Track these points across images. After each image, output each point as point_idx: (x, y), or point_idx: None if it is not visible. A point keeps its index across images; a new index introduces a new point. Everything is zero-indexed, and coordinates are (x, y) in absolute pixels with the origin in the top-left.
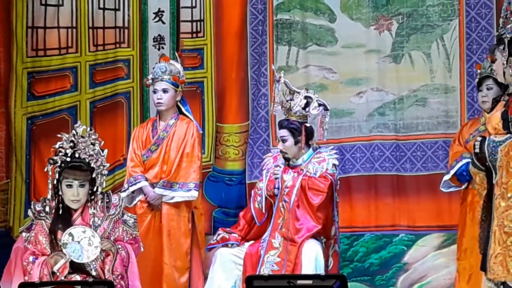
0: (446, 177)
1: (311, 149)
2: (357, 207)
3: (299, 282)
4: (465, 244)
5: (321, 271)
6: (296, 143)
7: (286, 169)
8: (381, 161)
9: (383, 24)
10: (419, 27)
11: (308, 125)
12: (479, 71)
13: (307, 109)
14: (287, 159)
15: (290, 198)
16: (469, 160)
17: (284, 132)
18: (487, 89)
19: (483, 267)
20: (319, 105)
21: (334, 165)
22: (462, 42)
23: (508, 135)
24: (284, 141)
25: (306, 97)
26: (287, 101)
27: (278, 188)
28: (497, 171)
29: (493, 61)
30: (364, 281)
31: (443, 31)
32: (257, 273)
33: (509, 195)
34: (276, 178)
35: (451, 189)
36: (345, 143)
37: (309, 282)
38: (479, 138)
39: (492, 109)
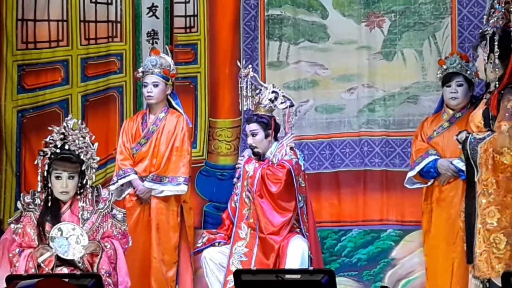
0: (411, 174)
1: (276, 142)
2: (345, 201)
3: (287, 276)
4: (432, 240)
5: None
6: (266, 136)
7: (249, 160)
8: (370, 156)
9: (374, 21)
10: (411, 25)
11: (277, 118)
12: (444, 66)
13: (274, 103)
14: (256, 154)
15: (252, 188)
16: (437, 157)
17: (254, 126)
18: (457, 85)
19: (469, 260)
20: (285, 100)
21: (291, 148)
22: (454, 40)
23: (488, 132)
24: (254, 135)
25: (273, 92)
26: (256, 94)
27: (238, 178)
28: (478, 169)
29: (465, 59)
30: (351, 276)
31: (435, 29)
32: (227, 264)
33: (489, 191)
34: (238, 168)
35: (415, 186)
36: (335, 138)
37: (297, 276)
38: (465, 133)
39: (475, 107)
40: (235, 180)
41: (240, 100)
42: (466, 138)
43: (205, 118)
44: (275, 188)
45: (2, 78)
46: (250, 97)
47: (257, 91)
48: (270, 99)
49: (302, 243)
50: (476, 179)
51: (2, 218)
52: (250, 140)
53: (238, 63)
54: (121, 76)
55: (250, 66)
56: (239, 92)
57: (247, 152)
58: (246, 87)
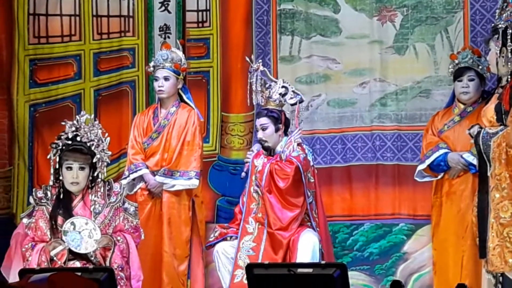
0: (421, 167)
1: (286, 137)
2: (357, 196)
3: (299, 270)
4: (441, 233)
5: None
6: (276, 130)
7: (258, 154)
8: (382, 151)
9: (386, 15)
10: (423, 19)
11: (286, 113)
12: (456, 61)
13: (284, 97)
14: (267, 149)
15: (261, 183)
16: (447, 150)
17: (264, 120)
18: (469, 80)
19: (482, 255)
20: (295, 95)
21: (298, 144)
22: (466, 35)
23: (501, 127)
24: (264, 129)
25: (283, 87)
26: (266, 89)
27: (246, 172)
28: (491, 163)
29: (477, 54)
30: (363, 270)
31: (448, 23)
32: (234, 259)
33: (502, 186)
34: (246, 162)
35: (425, 179)
36: (347, 132)
37: (309, 270)
38: (477, 127)
39: (487, 102)
40: (243, 174)
41: (249, 95)
42: (478, 132)
43: (218, 112)
44: (283, 184)
45: (14, 72)
46: (260, 92)
47: (267, 86)
48: (280, 94)
49: (313, 237)
50: (489, 174)
51: (15, 212)
52: (260, 134)
53: (247, 59)
54: (134, 70)
55: (260, 60)
56: (248, 87)
57: (256, 147)
58: (256, 82)
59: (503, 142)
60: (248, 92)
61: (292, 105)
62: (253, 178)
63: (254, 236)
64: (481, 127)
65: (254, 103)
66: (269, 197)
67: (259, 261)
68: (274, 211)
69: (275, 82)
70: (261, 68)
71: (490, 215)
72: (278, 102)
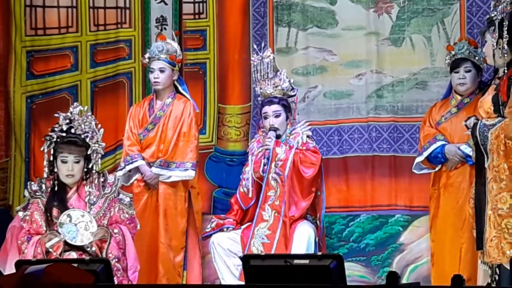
0: (419, 159)
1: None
2: (353, 187)
3: (296, 261)
4: (439, 225)
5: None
6: (287, 118)
7: (278, 142)
8: (378, 142)
9: (382, 7)
10: (419, 11)
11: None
12: (452, 52)
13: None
14: (278, 137)
15: (283, 171)
16: (444, 142)
17: (277, 107)
18: (466, 71)
19: (479, 246)
20: (292, 86)
21: (308, 136)
22: (463, 26)
23: (499, 118)
24: (277, 116)
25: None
26: (273, 77)
27: (268, 159)
28: (489, 155)
29: (474, 45)
30: (359, 261)
31: (444, 15)
32: (247, 245)
33: (501, 177)
34: (267, 149)
35: (423, 171)
36: (343, 124)
37: (306, 261)
38: (473, 119)
39: (483, 93)
40: (264, 161)
41: (252, 83)
42: (475, 124)
43: (215, 104)
44: (309, 172)
45: (11, 64)
46: (267, 79)
47: (274, 74)
48: (287, 82)
49: (309, 228)
50: (486, 165)
51: (11, 204)
52: (272, 121)
53: (255, 46)
54: (130, 62)
55: (269, 48)
56: (254, 75)
57: (273, 134)
58: (268, 68)
59: (502, 133)
60: (255, 80)
61: (291, 96)
62: (273, 165)
63: (270, 224)
64: (477, 119)
65: (258, 92)
66: (290, 186)
67: (274, 249)
68: (292, 200)
69: (279, 71)
70: (271, 56)
71: (487, 207)
72: (286, 90)
